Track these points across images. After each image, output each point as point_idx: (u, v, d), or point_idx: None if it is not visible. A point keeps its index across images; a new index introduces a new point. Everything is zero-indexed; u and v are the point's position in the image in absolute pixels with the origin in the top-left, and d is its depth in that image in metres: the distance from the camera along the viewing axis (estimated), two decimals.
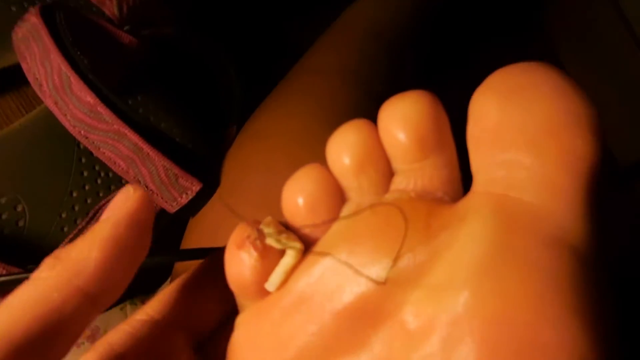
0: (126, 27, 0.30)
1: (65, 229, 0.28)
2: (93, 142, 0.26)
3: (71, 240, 0.26)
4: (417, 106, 0.14)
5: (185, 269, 0.28)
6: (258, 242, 0.14)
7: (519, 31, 0.52)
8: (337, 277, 0.13)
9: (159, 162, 0.27)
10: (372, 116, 0.15)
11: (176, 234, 0.31)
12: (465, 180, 0.15)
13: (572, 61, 0.54)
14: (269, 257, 0.14)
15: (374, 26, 0.38)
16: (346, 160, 0.14)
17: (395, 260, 0.12)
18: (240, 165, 0.30)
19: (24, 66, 0.26)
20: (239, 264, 0.14)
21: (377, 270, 0.13)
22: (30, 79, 0.26)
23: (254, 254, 0.13)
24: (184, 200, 0.28)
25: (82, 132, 0.26)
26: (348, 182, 0.15)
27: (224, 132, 0.33)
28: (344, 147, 0.14)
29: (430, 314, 0.11)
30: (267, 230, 0.14)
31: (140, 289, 0.32)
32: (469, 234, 0.12)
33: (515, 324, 0.10)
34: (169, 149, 0.28)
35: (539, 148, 0.11)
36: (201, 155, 0.30)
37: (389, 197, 0.14)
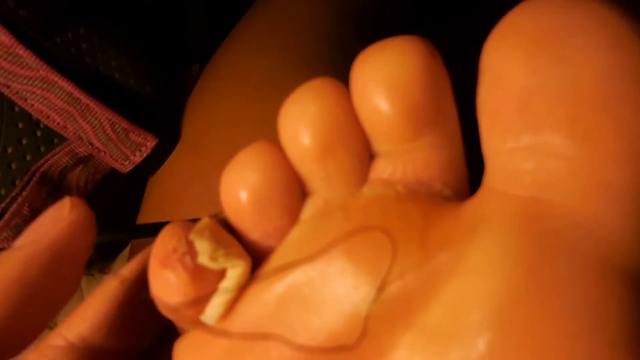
0: None
1: (3, 192, 0.24)
2: (17, 92, 0.22)
3: (8, 204, 0.23)
4: (407, 61, 0.09)
5: (144, 242, 0.25)
6: (188, 258, 0.10)
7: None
8: (300, 308, 0.10)
9: (103, 114, 0.22)
10: (359, 50, 0.11)
11: (134, 195, 0.27)
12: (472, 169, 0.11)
13: None
14: (203, 277, 0.10)
15: None
16: (306, 138, 0.10)
17: (380, 289, 0.09)
18: (204, 115, 0.26)
19: None
20: (164, 286, 0.10)
21: (354, 301, 0.09)
22: None
23: (182, 274, 0.10)
24: (138, 158, 0.24)
25: (2, 79, 0.21)
26: (310, 169, 0.11)
27: (185, 74, 0.28)
28: (304, 120, 0.10)
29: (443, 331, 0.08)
30: (199, 243, 0.10)
31: (96, 260, 0.29)
32: (482, 256, 0.08)
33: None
34: (115, 98, 0.23)
35: (586, 129, 0.07)
36: (157, 104, 0.26)
37: (367, 191, 0.11)
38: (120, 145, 0.24)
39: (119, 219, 0.28)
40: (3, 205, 0.22)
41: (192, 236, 0.10)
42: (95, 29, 0.24)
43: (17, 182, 0.25)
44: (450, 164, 0.10)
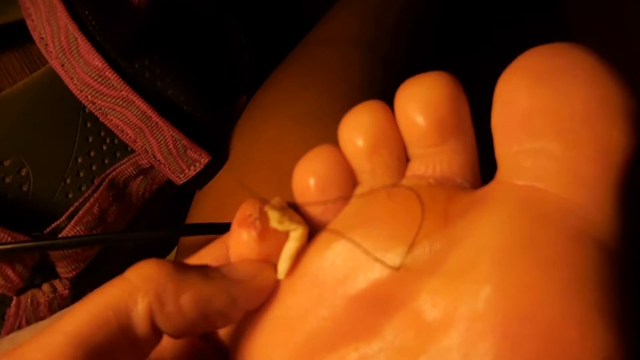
0: None
1: (70, 195, 0.27)
2: (100, 108, 0.25)
3: (81, 204, 0.26)
4: (437, 88, 0.13)
5: (191, 244, 0.27)
6: (258, 222, 0.13)
7: (532, 10, 0.50)
8: (350, 261, 0.13)
9: (168, 132, 0.26)
10: (387, 90, 0.15)
11: (182, 207, 0.30)
12: (484, 169, 0.14)
13: (587, 42, 0.53)
14: (270, 239, 0.14)
15: None
16: (359, 141, 0.14)
17: (411, 246, 0.12)
18: (250, 137, 0.29)
19: (28, 23, 0.25)
20: (239, 242, 0.14)
21: (392, 256, 0.12)
22: (35, 37, 0.25)
23: (253, 233, 0.13)
24: (192, 172, 0.27)
25: (89, 97, 0.25)
26: (361, 164, 0.14)
27: (234, 102, 0.32)
28: (358, 128, 0.14)
29: (449, 306, 0.11)
30: (270, 211, 0.13)
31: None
32: (491, 223, 0.11)
33: (538, 322, 0.10)
34: (177, 118, 0.27)
35: (572, 137, 0.10)
36: (209, 126, 0.29)
37: (405, 182, 0.14)
38: (178, 159, 0.27)
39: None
40: (77, 204, 0.25)
41: (266, 207, 0.14)
42: (165, 58, 0.28)
43: (83, 188, 0.28)
44: (467, 164, 0.14)
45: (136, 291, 0.12)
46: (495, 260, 0.11)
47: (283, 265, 0.14)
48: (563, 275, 0.10)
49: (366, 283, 0.12)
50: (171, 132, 0.26)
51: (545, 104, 0.11)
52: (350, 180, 0.14)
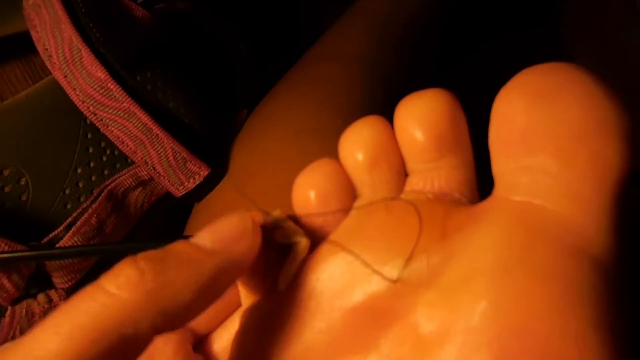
0: (140, 0, 0.29)
1: (69, 206, 0.27)
2: (101, 120, 0.25)
3: (79, 214, 0.26)
4: (435, 104, 0.13)
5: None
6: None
7: (529, 27, 0.51)
8: (348, 274, 0.13)
9: (168, 144, 0.26)
10: (387, 106, 0.15)
11: (180, 219, 0.30)
12: (482, 184, 0.14)
13: (585, 61, 0.54)
14: (271, 251, 0.14)
15: (392, 13, 0.37)
16: (359, 155, 0.14)
17: (409, 260, 0.12)
18: (250, 151, 0.30)
19: (33, 35, 0.25)
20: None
21: (389, 269, 0.12)
22: (39, 48, 0.25)
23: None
24: (191, 185, 0.27)
25: (91, 108, 0.25)
26: (360, 178, 0.14)
27: (235, 116, 0.32)
28: (358, 142, 0.14)
29: (445, 319, 0.11)
30: (274, 222, 0.14)
31: None
32: (487, 238, 0.11)
33: (534, 337, 0.10)
34: (177, 130, 0.27)
35: (567, 155, 0.11)
36: (209, 138, 0.29)
37: (404, 197, 0.14)
38: (178, 172, 0.27)
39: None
40: (75, 214, 0.25)
41: (269, 220, 0.14)
42: (167, 71, 0.29)
43: (82, 198, 0.28)
44: (465, 180, 0.14)
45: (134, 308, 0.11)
46: (491, 275, 0.11)
47: (285, 276, 0.14)
48: (559, 291, 0.10)
49: (363, 296, 0.12)
50: (171, 144, 0.26)
51: (542, 122, 0.11)
52: (350, 193, 0.14)
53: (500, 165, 0.12)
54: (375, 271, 0.12)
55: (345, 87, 0.32)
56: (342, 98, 0.31)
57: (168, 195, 0.29)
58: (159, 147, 0.26)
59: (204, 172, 0.27)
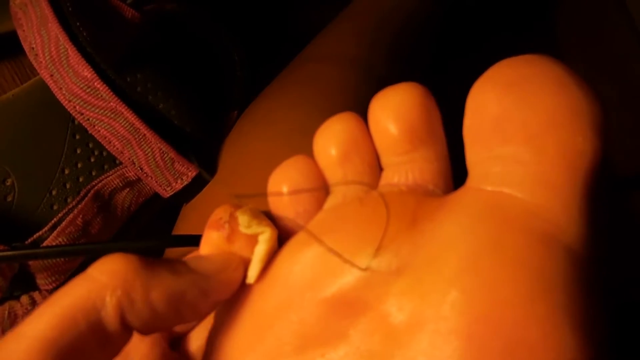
0: (129, 0, 0.29)
1: (55, 207, 0.27)
2: (88, 119, 0.25)
3: (65, 214, 0.25)
4: (407, 97, 0.13)
5: (176, 257, 0.27)
6: (227, 225, 0.13)
7: (523, 30, 0.51)
8: (320, 266, 0.13)
9: (156, 144, 0.26)
10: None
11: (168, 220, 0.30)
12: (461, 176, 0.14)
13: (577, 62, 0.54)
14: (239, 242, 0.14)
15: (384, 15, 0.37)
16: (332, 150, 0.14)
17: (378, 249, 0.12)
18: (240, 152, 0.29)
19: (20, 34, 0.25)
20: (209, 244, 0.14)
21: (360, 258, 0.12)
22: (25, 47, 0.25)
23: (222, 235, 0.13)
24: (179, 185, 0.27)
25: (78, 107, 0.25)
26: (334, 172, 0.14)
27: (225, 117, 0.32)
28: (330, 137, 0.14)
29: (415, 309, 0.11)
30: (240, 215, 0.14)
31: None
32: (457, 227, 0.11)
33: (503, 323, 0.10)
34: (166, 131, 0.27)
35: (538, 144, 0.11)
36: (199, 140, 0.29)
37: (378, 190, 0.14)
38: (165, 172, 0.27)
39: None
40: (60, 215, 0.25)
41: (237, 212, 0.14)
42: (157, 72, 0.29)
43: (69, 200, 0.28)
44: (439, 172, 0.14)
45: (104, 289, 0.11)
46: (460, 263, 0.11)
47: (253, 268, 0.14)
48: (527, 277, 0.10)
49: (335, 287, 0.12)
50: (159, 144, 0.26)
51: (513, 112, 0.11)
52: (322, 186, 0.15)
53: (473, 155, 0.12)
54: (345, 260, 0.12)
55: (338, 88, 0.32)
56: (334, 99, 0.31)
57: (156, 196, 0.28)
58: (146, 147, 0.26)
59: (192, 173, 0.27)
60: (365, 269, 0.12)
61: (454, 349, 0.10)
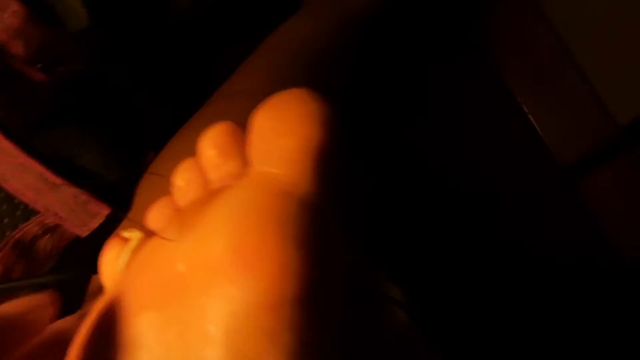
0: (38, 65, 0.32)
1: None
2: (1, 175, 0.28)
3: None
4: (218, 127, 0.19)
5: (99, 288, 0.29)
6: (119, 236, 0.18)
7: (463, 56, 0.55)
8: (158, 253, 0.17)
9: (67, 190, 0.29)
10: None
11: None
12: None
13: (514, 80, 0.59)
14: (124, 242, 0.19)
15: (296, 51, 0.40)
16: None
17: (174, 221, 0.18)
18: (152, 187, 0.32)
19: None
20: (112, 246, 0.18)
21: (171, 235, 0.16)
22: None
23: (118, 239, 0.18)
24: (94, 224, 0.30)
25: None
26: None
27: (141, 157, 0.35)
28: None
29: (194, 259, 0.15)
30: (125, 232, 0.18)
31: None
32: (230, 195, 0.15)
33: (250, 254, 0.14)
34: (79, 177, 0.30)
35: (286, 136, 0.15)
36: (113, 181, 0.32)
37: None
38: (80, 213, 0.29)
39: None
40: None
41: (125, 231, 0.18)
42: (76, 126, 0.32)
43: None
44: (240, 174, 0.18)
45: None
46: (227, 219, 0.15)
47: (124, 257, 0.18)
48: (267, 220, 0.14)
49: (164, 261, 0.16)
50: (70, 189, 0.29)
51: (268, 134, 0.16)
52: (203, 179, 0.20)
53: (253, 151, 0.16)
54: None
55: (239, 121, 0.34)
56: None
57: (79, 239, 0.31)
58: (59, 194, 0.29)
59: (105, 211, 0.30)
60: (170, 240, 0.16)
61: (221, 268, 0.14)
